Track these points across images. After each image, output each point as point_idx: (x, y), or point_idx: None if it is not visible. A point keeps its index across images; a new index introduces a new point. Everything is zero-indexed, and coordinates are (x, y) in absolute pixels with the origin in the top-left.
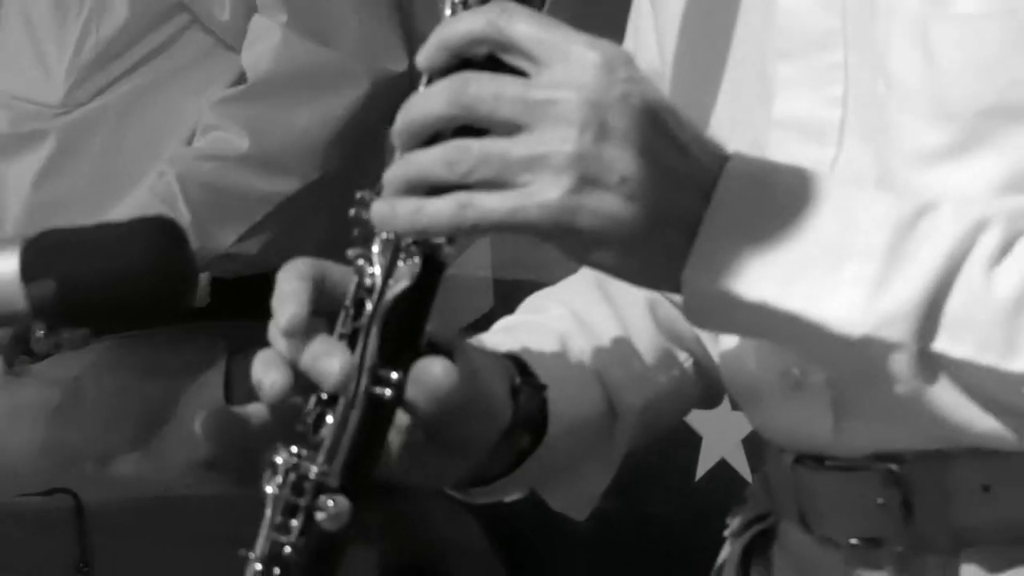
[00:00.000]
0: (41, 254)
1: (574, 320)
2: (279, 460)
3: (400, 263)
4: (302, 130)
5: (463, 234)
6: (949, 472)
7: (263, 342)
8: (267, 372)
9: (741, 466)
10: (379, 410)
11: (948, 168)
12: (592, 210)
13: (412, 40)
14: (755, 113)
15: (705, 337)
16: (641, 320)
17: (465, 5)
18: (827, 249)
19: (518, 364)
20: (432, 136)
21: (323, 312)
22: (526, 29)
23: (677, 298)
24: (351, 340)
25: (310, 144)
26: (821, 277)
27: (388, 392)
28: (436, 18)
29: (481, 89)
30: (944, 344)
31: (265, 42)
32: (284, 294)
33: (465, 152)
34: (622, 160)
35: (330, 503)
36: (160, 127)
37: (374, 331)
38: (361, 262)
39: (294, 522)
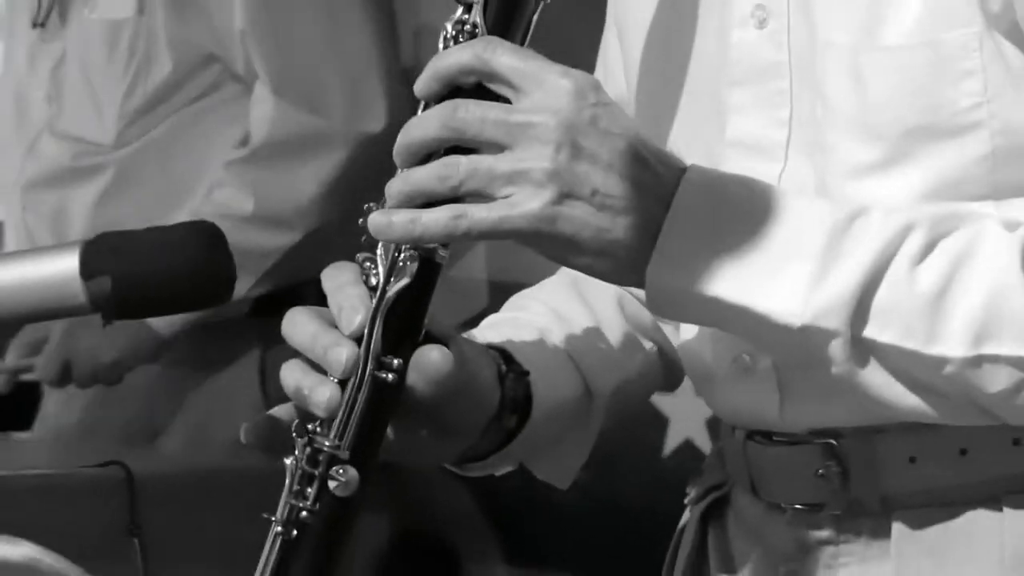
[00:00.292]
0: (98, 254)
1: (552, 315)
2: (297, 436)
3: (400, 264)
4: (299, 189)
5: (456, 240)
6: (880, 446)
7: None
8: (305, 378)
9: (704, 444)
10: (383, 392)
11: (877, 181)
12: (568, 218)
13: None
14: (710, 133)
15: (666, 328)
16: (611, 314)
17: (456, 41)
18: (772, 250)
19: (504, 354)
20: (427, 155)
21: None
22: (508, 61)
23: (640, 293)
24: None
25: (307, 201)
26: (767, 274)
27: (391, 376)
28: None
29: (468, 113)
30: (873, 331)
31: (261, 108)
32: (350, 297)
33: (454, 168)
34: (593, 174)
35: (341, 473)
36: (198, 157)
37: (378, 323)
38: (368, 264)
39: (310, 490)
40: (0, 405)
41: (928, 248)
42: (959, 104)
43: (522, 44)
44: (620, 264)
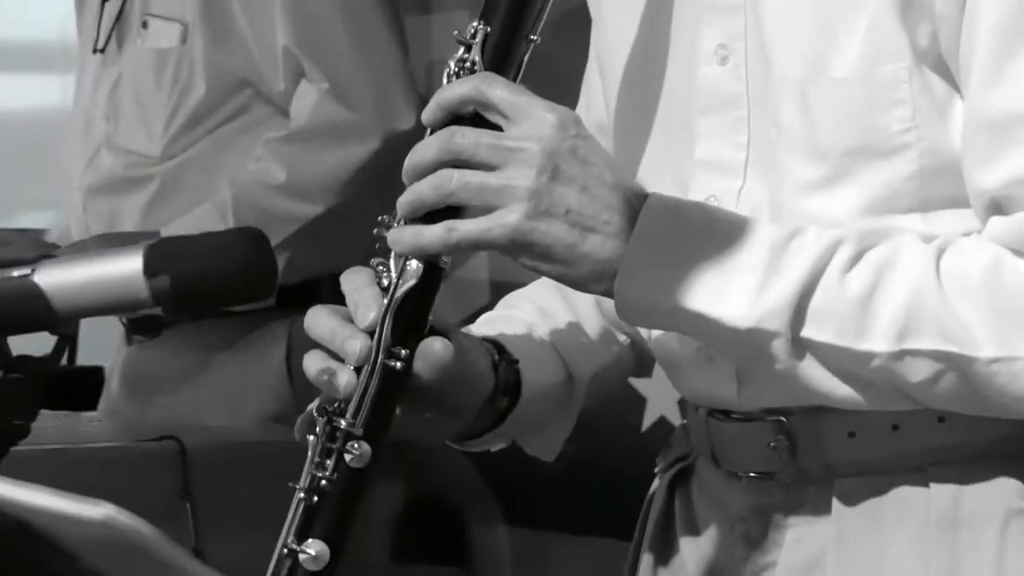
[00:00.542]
0: (159, 256)
1: (539, 312)
2: (319, 416)
3: (409, 269)
4: (327, 169)
5: (450, 250)
6: (824, 423)
7: None
8: (325, 365)
9: (676, 420)
10: (393, 378)
11: (822, 196)
12: (544, 232)
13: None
14: (680, 155)
15: None
16: (589, 311)
17: (458, 75)
18: (722, 265)
19: (497, 346)
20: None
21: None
22: (501, 94)
23: (610, 301)
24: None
25: (332, 180)
26: (718, 285)
27: (399, 365)
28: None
29: (465, 138)
30: (810, 331)
31: (305, 101)
32: (365, 296)
33: (447, 179)
34: (569, 196)
35: (356, 447)
36: (231, 171)
37: (389, 319)
38: (380, 268)
39: (329, 462)
40: (69, 388)
41: (855, 259)
42: (891, 128)
43: (515, 80)
44: (587, 276)
